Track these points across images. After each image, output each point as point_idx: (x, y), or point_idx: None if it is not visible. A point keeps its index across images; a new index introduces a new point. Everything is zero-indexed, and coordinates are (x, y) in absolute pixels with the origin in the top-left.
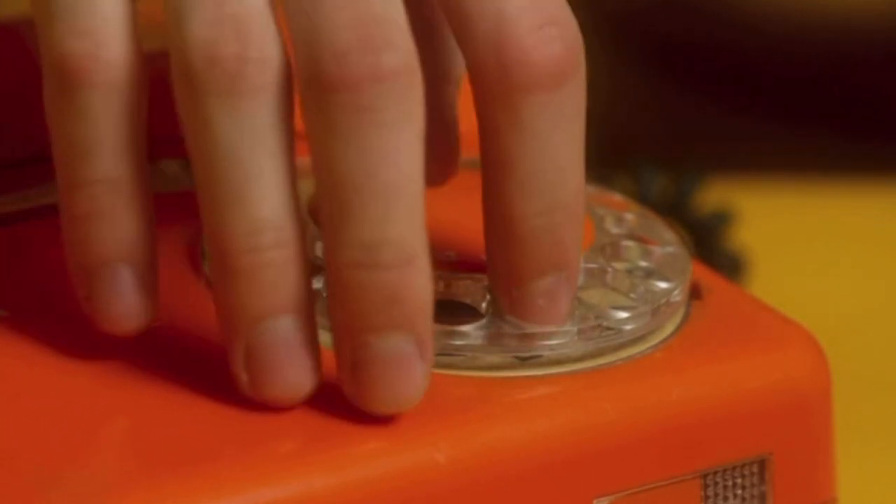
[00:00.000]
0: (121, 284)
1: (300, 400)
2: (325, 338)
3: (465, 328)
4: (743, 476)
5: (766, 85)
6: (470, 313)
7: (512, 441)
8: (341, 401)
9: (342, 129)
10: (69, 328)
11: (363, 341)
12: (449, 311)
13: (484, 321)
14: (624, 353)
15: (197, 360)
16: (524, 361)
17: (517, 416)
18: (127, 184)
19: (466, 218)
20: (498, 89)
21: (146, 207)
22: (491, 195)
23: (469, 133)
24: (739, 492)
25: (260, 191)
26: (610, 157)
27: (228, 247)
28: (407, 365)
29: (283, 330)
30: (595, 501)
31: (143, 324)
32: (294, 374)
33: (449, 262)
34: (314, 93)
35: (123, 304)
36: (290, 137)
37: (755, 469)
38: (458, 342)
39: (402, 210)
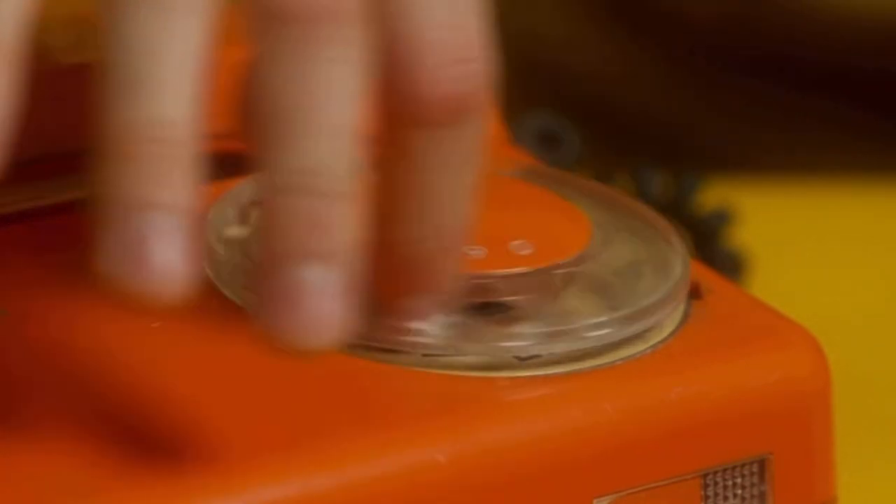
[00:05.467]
0: (169, 233)
1: (170, 294)
2: None
3: (518, 328)
4: (743, 476)
5: (765, 84)
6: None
7: (512, 441)
8: (341, 401)
9: (288, 57)
10: (69, 328)
11: (284, 268)
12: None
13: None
14: (624, 353)
15: (197, 360)
16: (524, 361)
17: (517, 416)
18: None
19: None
20: (392, 113)
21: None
22: (378, 215)
23: None
24: (739, 492)
25: (168, 86)
26: (610, 157)
27: (123, 134)
28: (326, 298)
29: (164, 222)
30: (595, 501)
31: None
32: (163, 264)
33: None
34: (262, 20)
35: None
36: (206, 46)
37: (755, 469)
38: (414, 339)
39: (338, 139)
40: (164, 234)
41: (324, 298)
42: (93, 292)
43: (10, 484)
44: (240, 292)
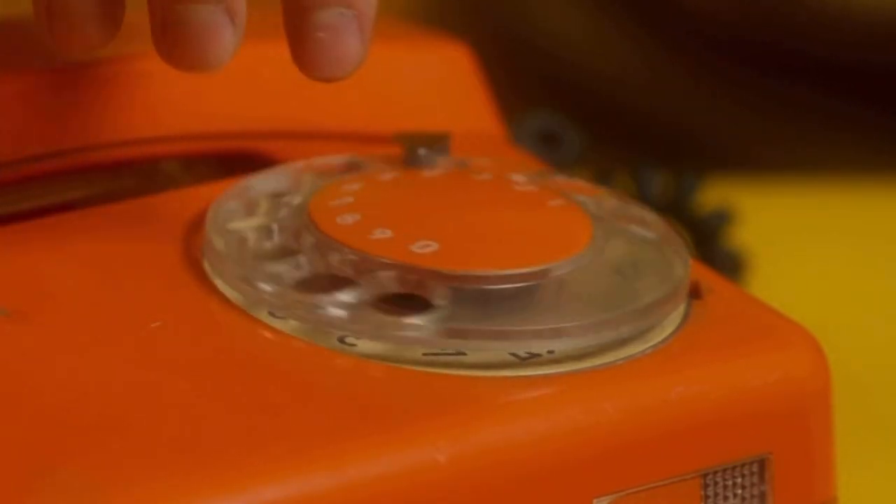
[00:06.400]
0: (220, 21)
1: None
2: (295, 328)
3: (414, 320)
4: (743, 476)
5: (766, 84)
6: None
7: (512, 441)
8: (341, 401)
9: None
10: (69, 328)
11: (172, 6)
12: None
13: (436, 314)
14: (624, 353)
15: (196, 360)
16: (524, 361)
17: (517, 416)
18: None
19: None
20: None
21: None
22: None
23: (458, 135)
24: (739, 492)
25: None
26: (610, 156)
27: None
28: (215, 28)
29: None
30: (595, 501)
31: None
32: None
33: (417, 254)
34: None
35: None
36: None
37: (755, 469)
38: (406, 333)
39: None
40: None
41: (214, 27)
42: (91, 292)
43: (10, 483)
44: (238, 288)
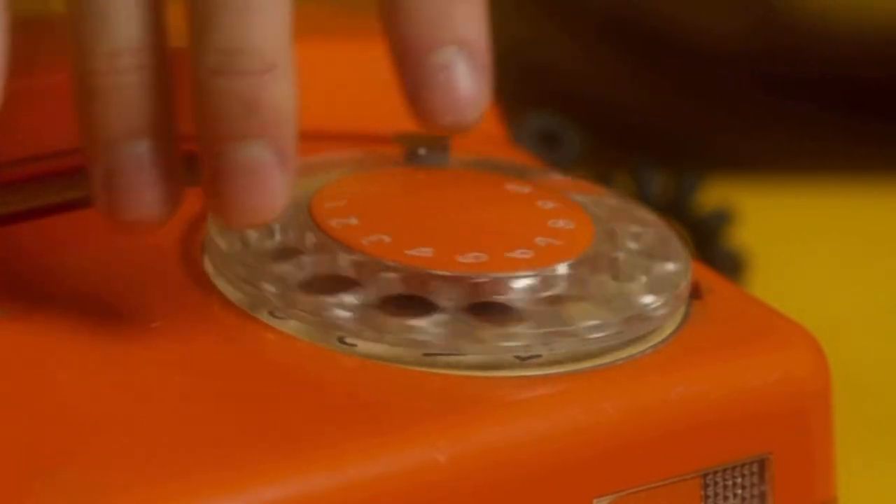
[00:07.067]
0: (144, 160)
1: (156, 225)
2: (294, 327)
3: (418, 322)
4: (743, 476)
5: (765, 84)
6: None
7: (512, 441)
8: (341, 401)
9: None
10: (69, 328)
11: (221, 149)
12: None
13: (439, 317)
14: (624, 353)
15: (197, 360)
16: (524, 361)
17: (517, 416)
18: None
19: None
20: None
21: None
22: None
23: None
24: (739, 492)
25: (123, 14)
26: (610, 157)
27: (88, 67)
28: (265, 173)
29: (139, 153)
30: (595, 501)
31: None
32: (148, 198)
33: (420, 257)
34: None
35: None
36: None
37: (755, 469)
38: (410, 336)
39: (264, 18)
40: (139, 163)
41: (263, 173)
42: (91, 292)
43: (10, 483)
44: (241, 289)
